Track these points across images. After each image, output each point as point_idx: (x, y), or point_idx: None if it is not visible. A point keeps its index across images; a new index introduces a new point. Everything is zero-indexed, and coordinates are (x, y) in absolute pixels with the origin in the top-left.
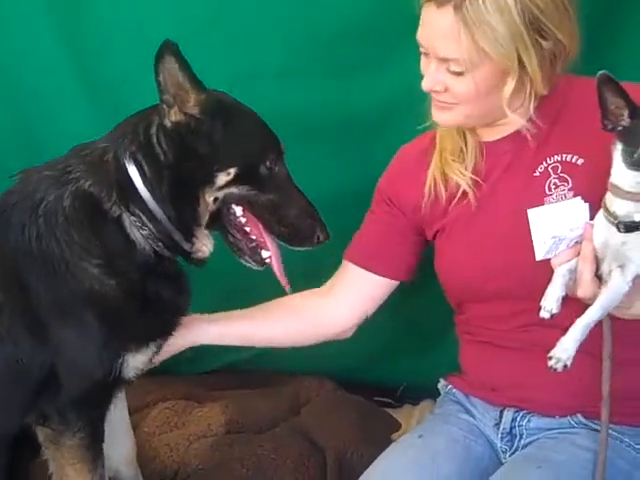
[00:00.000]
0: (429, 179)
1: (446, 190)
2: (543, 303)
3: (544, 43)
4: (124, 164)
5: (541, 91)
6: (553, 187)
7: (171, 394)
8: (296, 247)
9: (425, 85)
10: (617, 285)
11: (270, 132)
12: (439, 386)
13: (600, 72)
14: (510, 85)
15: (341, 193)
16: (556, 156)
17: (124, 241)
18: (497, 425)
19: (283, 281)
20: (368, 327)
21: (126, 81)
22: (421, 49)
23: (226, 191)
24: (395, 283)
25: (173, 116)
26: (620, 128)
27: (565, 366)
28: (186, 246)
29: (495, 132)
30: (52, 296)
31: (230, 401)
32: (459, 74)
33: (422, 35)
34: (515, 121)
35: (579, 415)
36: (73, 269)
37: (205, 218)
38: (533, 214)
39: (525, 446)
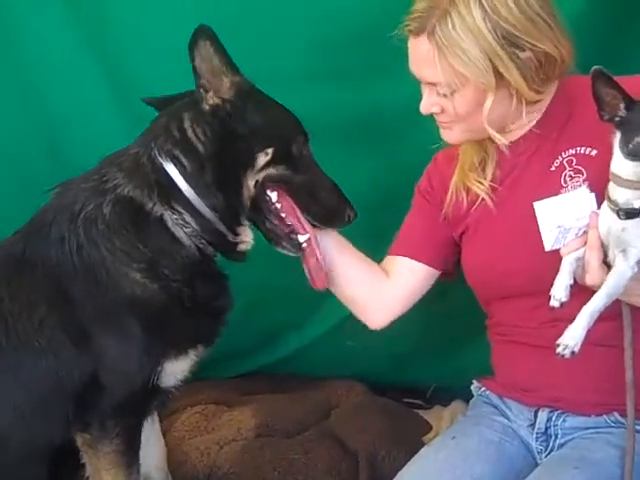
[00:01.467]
0: (451, 187)
1: (467, 197)
2: (552, 292)
3: (522, 54)
4: (160, 163)
5: (531, 98)
6: (568, 179)
7: (200, 399)
8: (330, 227)
9: (422, 109)
10: (621, 270)
11: (297, 119)
12: (472, 388)
13: (594, 67)
14: (489, 102)
15: (360, 195)
16: (571, 150)
17: (169, 240)
18: (532, 426)
19: (313, 279)
20: (397, 328)
21: (152, 88)
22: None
23: (266, 172)
24: (435, 274)
25: (210, 100)
26: (617, 119)
27: (573, 352)
28: (231, 238)
29: (509, 136)
30: (95, 305)
31: (260, 405)
32: (447, 96)
33: (410, 65)
34: (530, 120)
35: (615, 414)
36: (115, 276)
37: (247, 205)
38: (539, 206)
39: (561, 446)
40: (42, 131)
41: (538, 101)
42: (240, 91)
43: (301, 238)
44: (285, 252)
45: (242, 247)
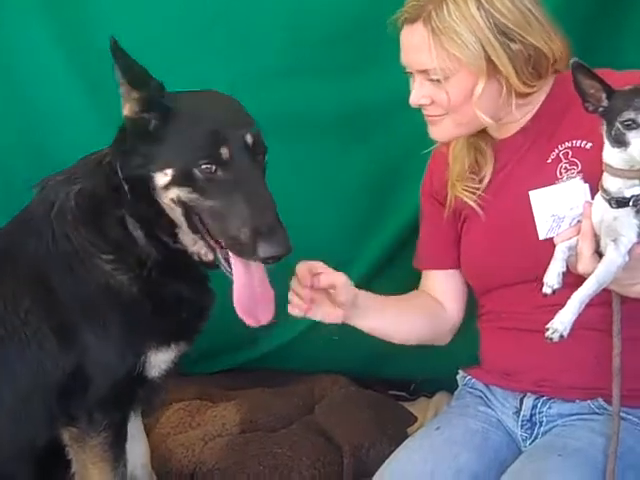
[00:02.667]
0: (449, 195)
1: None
2: (545, 279)
3: (513, 45)
4: (116, 165)
5: (520, 89)
6: (564, 171)
7: (185, 394)
8: (242, 258)
9: (411, 100)
10: (611, 258)
11: (213, 136)
12: (458, 377)
13: (572, 60)
14: (480, 86)
15: (346, 189)
16: (567, 142)
17: (127, 238)
18: (517, 413)
19: (240, 312)
20: None
21: None
22: (406, 71)
23: (173, 192)
24: None
25: (126, 110)
26: (601, 109)
27: (561, 337)
28: (175, 246)
29: (509, 128)
30: (73, 295)
31: (244, 400)
32: (439, 82)
33: (402, 55)
34: (524, 114)
35: (600, 399)
36: (88, 266)
37: (180, 220)
38: (534, 195)
39: (544, 434)
40: (25, 131)
41: (528, 94)
42: (144, 107)
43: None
44: (228, 275)
45: (202, 257)
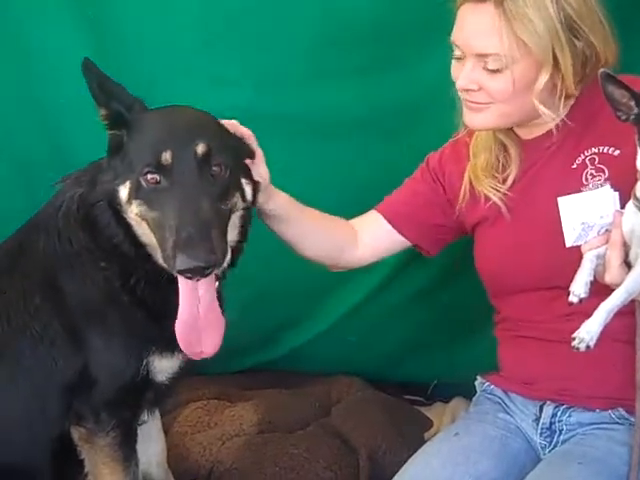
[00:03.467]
0: (463, 186)
1: (479, 193)
2: (572, 288)
3: (577, 42)
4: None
5: (572, 91)
6: (590, 177)
7: (202, 394)
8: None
9: (460, 84)
10: None
11: (157, 145)
12: (476, 383)
13: (601, 70)
14: (543, 78)
15: (365, 191)
16: (593, 148)
17: (116, 249)
18: (537, 420)
19: (178, 337)
20: (398, 325)
21: (153, 86)
22: (455, 52)
23: (132, 206)
24: (406, 245)
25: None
26: (633, 117)
27: (588, 347)
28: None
29: (533, 131)
30: (77, 296)
31: (261, 401)
32: (496, 71)
33: (459, 35)
34: (549, 119)
35: (621, 409)
36: (89, 269)
37: (145, 234)
38: (563, 202)
39: (564, 442)
40: (44, 128)
41: (571, 96)
42: (108, 124)
43: None
44: None
45: None
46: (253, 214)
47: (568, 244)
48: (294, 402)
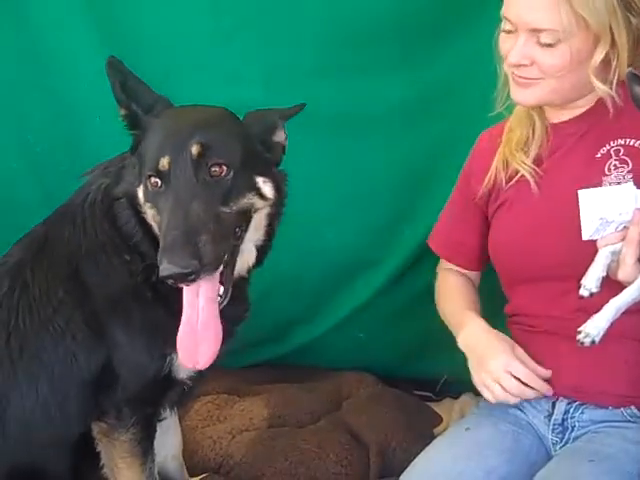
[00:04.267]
0: (492, 168)
1: (506, 174)
2: (583, 281)
3: (632, 19)
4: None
5: (623, 70)
6: (613, 168)
7: (212, 388)
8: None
9: (512, 60)
10: None
11: (159, 147)
12: None
13: (627, 70)
14: (600, 53)
15: (378, 187)
16: (619, 140)
17: (138, 245)
18: (549, 417)
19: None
20: (408, 320)
21: (165, 83)
22: (506, 26)
23: (147, 208)
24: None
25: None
26: None
27: (593, 342)
28: None
29: (564, 114)
30: (101, 289)
31: (271, 395)
32: (550, 45)
33: (512, 9)
34: (604, 94)
35: (633, 407)
36: (113, 262)
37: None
38: (583, 195)
39: (576, 439)
40: (64, 125)
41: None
42: (127, 124)
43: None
44: None
45: None
46: (283, 211)
47: (584, 237)
48: (304, 397)
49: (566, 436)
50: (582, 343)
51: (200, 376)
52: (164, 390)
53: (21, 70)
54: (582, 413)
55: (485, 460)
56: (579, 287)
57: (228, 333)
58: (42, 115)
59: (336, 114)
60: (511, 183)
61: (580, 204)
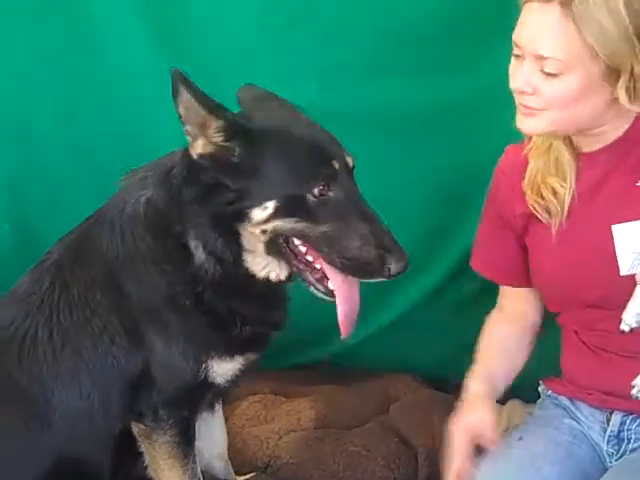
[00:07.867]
0: (524, 196)
1: (538, 205)
2: (624, 316)
3: None
4: (185, 195)
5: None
6: None
7: (259, 388)
8: (365, 280)
9: (514, 84)
10: None
11: (319, 153)
12: (540, 389)
13: None
14: (622, 88)
15: (426, 190)
16: None
17: (184, 255)
18: (604, 428)
19: (343, 328)
20: (457, 325)
21: (217, 85)
22: (515, 50)
23: (271, 225)
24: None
25: (200, 148)
26: None
27: None
28: (238, 269)
29: (594, 141)
30: (138, 296)
31: (318, 396)
32: (553, 75)
33: (520, 34)
34: (615, 129)
35: None
36: (151, 271)
37: (258, 246)
38: (617, 230)
39: (633, 450)
40: (108, 117)
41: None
42: (229, 135)
43: (331, 285)
44: (320, 296)
45: (272, 278)
46: None
47: (622, 272)
48: (351, 399)
49: (622, 447)
50: (637, 397)
51: (236, 380)
52: (200, 394)
53: (74, 70)
54: (639, 425)
55: (538, 471)
56: (620, 321)
57: (267, 339)
58: (94, 115)
59: (389, 114)
60: (543, 214)
61: (615, 239)
